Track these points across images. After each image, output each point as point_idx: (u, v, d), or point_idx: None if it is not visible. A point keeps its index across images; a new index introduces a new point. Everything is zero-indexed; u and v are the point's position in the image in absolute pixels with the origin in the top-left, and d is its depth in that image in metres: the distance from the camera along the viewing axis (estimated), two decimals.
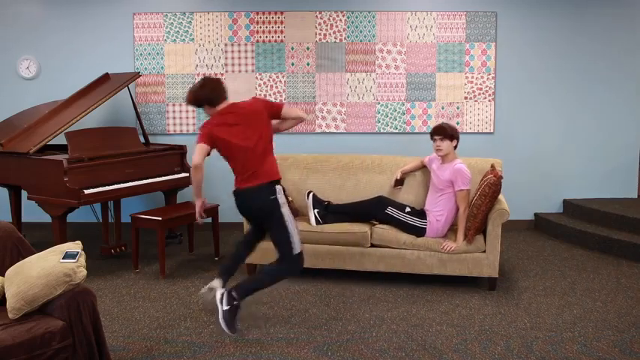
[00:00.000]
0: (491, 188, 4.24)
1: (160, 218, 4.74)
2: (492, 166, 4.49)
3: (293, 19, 6.12)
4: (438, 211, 4.45)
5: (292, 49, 6.16)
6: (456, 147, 4.49)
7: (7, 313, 2.76)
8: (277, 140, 6.11)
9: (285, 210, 3.56)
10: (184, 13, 6.13)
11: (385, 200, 4.60)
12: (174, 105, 6.25)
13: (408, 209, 4.54)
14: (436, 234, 4.45)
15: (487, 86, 6.14)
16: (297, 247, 3.59)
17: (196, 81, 3.69)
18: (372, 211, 4.60)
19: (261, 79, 6.20)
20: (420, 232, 4.45)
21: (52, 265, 2.78)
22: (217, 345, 3.48)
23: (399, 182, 4.81)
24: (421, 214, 4.53)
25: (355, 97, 6.19)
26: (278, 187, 3.58)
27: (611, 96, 6.15)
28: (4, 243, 3.05)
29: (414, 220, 4.47)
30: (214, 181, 6.30)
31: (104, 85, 5.53)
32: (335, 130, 6.23)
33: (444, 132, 4.42)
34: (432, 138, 4.49)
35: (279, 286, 4.41)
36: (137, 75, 5.66)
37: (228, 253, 4.80)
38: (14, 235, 3.10)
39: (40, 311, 2.80)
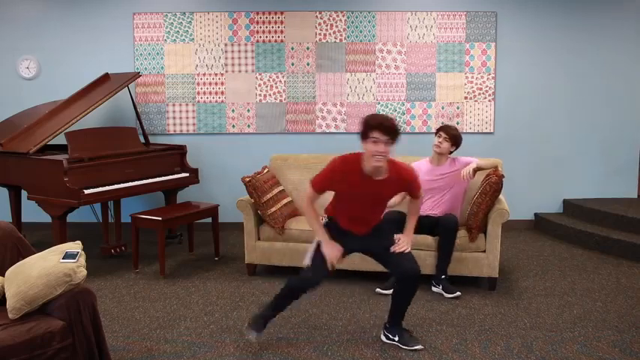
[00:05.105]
0: (492, 187, 4.27)
1: (159, 218, 4.73)
2: (496, 167, 4.51)
3: (293, 19, 6.12)
4: (454, 210, 4.49)
5: (292, 49, 6.15)
6: (450, 153, 4.52)
7: (7, 313, 2.76)
8: (277, 140, 6.21)
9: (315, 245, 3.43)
10: (184, 13, 6.13)
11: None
12: (174, 105, 6.25)
13: None
14: None
15: (487, 86, 6.13)
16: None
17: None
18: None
19: (261, 79, 6.20)
20: None
21: (52, 265, 2.78)
22: (217, 345, 3.48)
23: None
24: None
25: (355, 97, 6.19)
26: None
27: (611, 96, 6.15)
28: (4, 243, 3.05)
29: None
30: (214, 181, 6.31)
31: (104, 85, 5.53)
32: (335, 130, 6.23)
33: (454, 137, 4.43)
34: (437, 133, 4.48)
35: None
36: (137, 75, 5.66)
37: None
38: (14, 235, 3.10)
39: (40, 311, 2.80)
